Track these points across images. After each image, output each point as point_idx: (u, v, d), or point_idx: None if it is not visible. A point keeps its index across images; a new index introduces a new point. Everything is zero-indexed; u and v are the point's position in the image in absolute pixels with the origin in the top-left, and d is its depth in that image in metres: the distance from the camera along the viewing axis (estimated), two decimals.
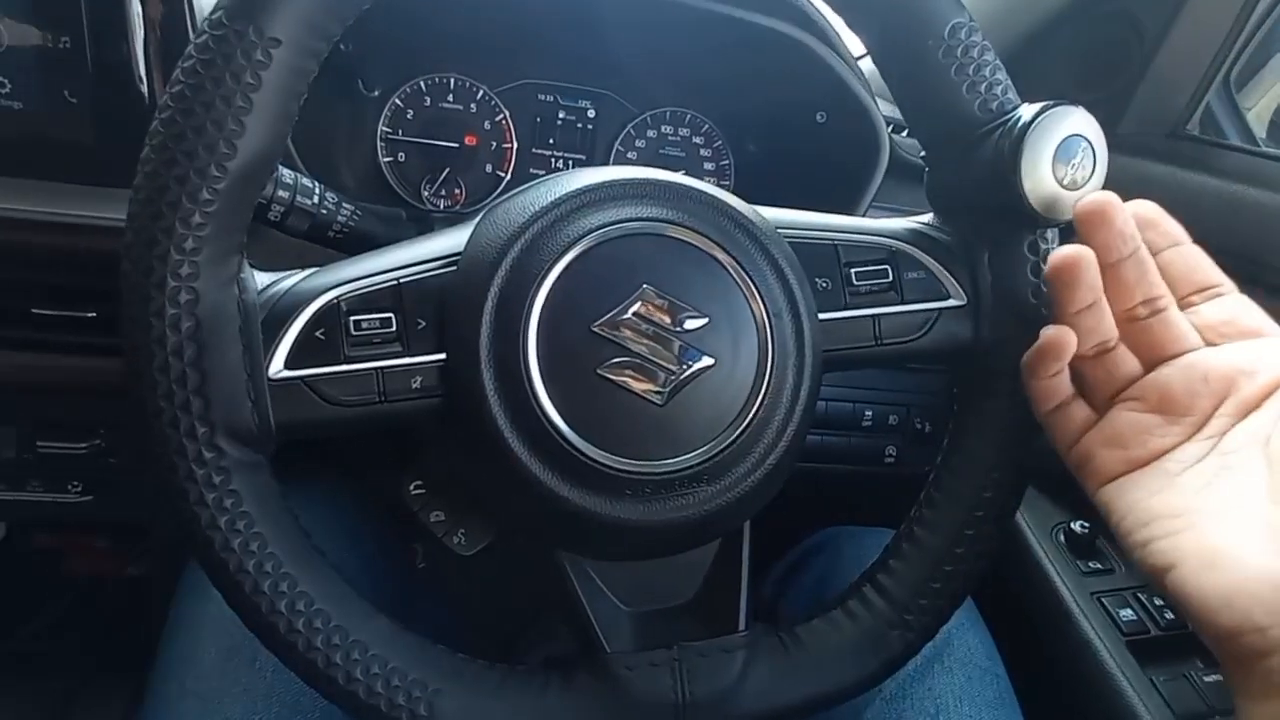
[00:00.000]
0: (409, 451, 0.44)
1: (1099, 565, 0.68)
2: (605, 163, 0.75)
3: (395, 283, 0.37)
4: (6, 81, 0.51)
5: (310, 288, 0.37)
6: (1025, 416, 0.42)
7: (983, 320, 0.42)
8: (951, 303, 0.42)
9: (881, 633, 0.43)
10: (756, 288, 0.38)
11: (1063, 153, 0.38)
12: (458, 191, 0.73)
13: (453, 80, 0.71)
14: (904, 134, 0.74)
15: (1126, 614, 0.64)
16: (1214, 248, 0.64)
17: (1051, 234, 0.42)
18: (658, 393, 0.36)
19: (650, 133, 0.75)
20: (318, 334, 0.36)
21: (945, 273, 0.42)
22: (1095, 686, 0.62)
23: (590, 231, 0.37)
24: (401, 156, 0.72)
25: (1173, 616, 0.65)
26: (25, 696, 0.94)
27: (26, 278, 0.55)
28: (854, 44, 0.68)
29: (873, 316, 0.41)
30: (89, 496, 0.66)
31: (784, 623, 0.44)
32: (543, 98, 0.73)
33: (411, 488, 0.42)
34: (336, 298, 0.37)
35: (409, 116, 0.71)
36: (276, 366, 0.36)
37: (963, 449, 0.44)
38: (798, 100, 0.69)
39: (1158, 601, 0.66)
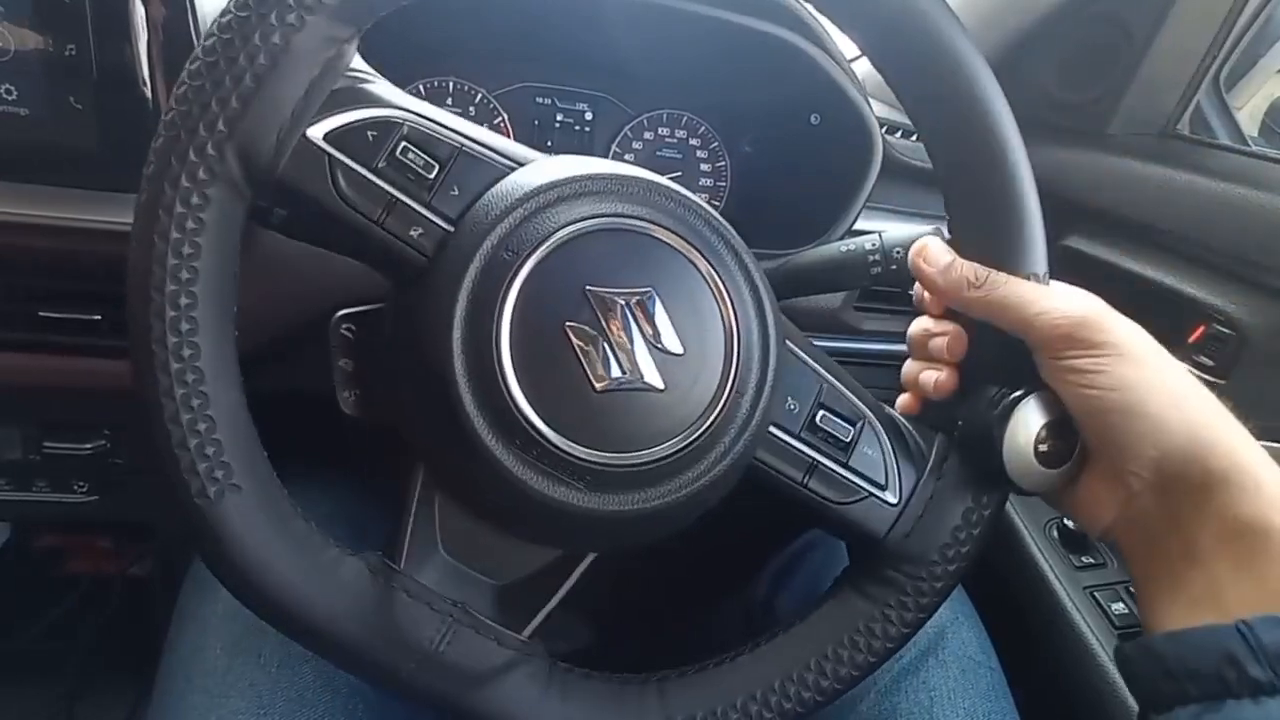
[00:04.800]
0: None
1: (1091, 560, 0.69)
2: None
3: (459, 145, 0.38)
4: (12, 88, 0.51)
5: (391, 98, 0.38)
6: (889, 621, 0.42)
7: (907, 519, 0.43)
8: (886, 496, 0.43)
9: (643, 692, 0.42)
10: (739, 370, 0.38)
11: (1048, 431, 0.40)
12: None
13: (451, 84, 0.72)
14: (897, 135, 0.74)
15: (1118, 608, 0.65)
16: (1203, 246, 0.65)
17: (997, 497, 0.43)
18: (600, 381, 0.36)
19: (647, 134, 0.76)
20: (370, 132, 0.37)
21: (895, 468, 0.43)
22: (1087, 679, 0.63)
23: (644, 220, 0.38)
24: None
25: None
26: (30, 696, 0.95)
27: (33, 281, 0.56)
28: (847, 47, 0.68)
29: (813, 461, 0.42)
30: (94, 496, 0.67)
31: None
32: (540, 100, 0.74)
33: (341, 326, 0.41)
34: (405, 119, 0.38)
35: None
36: (319, 128, 0.37)
37: (826, 612, 0.44)
38: (792, 102, 0.70)
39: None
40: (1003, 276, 0.40)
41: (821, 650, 0.42)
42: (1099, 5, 0.70)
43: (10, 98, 0.51)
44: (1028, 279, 0.41)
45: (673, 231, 0.38)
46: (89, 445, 0.64)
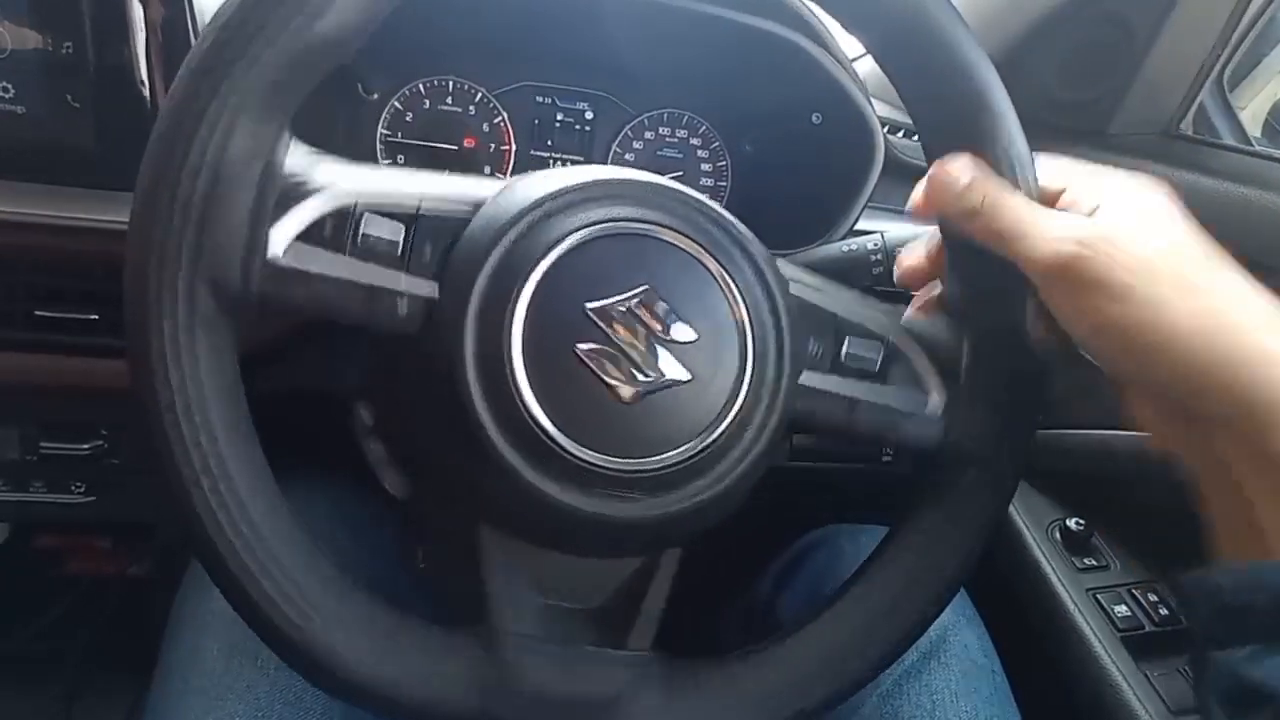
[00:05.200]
0: (371, 370, 0.43)
1: (1094, 562, 0.69)
2: (603, 164, 0.75)
3: (417, 205, 0.38)
4: (9, 86, 0.51)
5: (338, 180, 0.37)
6: (979, 509, 0.43)
7: (955, 423, 0.42)
8: (929, 408, 0.42)
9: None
10: (754, 337, 0.38)
11: None
12: None
13: (451, 83, 0.72)
14: (899, 135, 0.74)
15: (1121, 610, 0.65)
16: None
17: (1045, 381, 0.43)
18: (627, 390, 0.36)
19: (648, 134, 0.76)
20: (328, 223, 0.37)
21: (932, 372, 0.43)
22: (1090, 682, 0.63)
23: (618, 220, 0.37)
24: (401, 159, 0.72)
25: (1167, 612, 0.65)
26: (28, 697, 0.95)
27: (29, 280, 0.55)
28: (849, 46, 0.68)
29: (850, 398, 0.42)
30: (91, 497, 0.67)
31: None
32: (541, 100, 0.74)
33: (362, 412, 0.42)
34: (358, 198, 0.37)
35: (408, 119, 0.72)
36: (279, 238, 0.36)
37: (914, 542, 0.44)
38: (794, 102, 0.70)
39: (1152, 597, 0.66)
40: (1005, 202, 0.38)
41: (921, 565, 0.42)
42: (1101, 4, 0.70)
43: (6, 95, 0.51)
44: (1017, 186, 0.39)
45: (643, 221, 0.38)
46: (86, 445, 0.64)
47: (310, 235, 0.36)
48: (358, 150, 0.71)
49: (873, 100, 0.67)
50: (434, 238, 0.38)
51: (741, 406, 0.38)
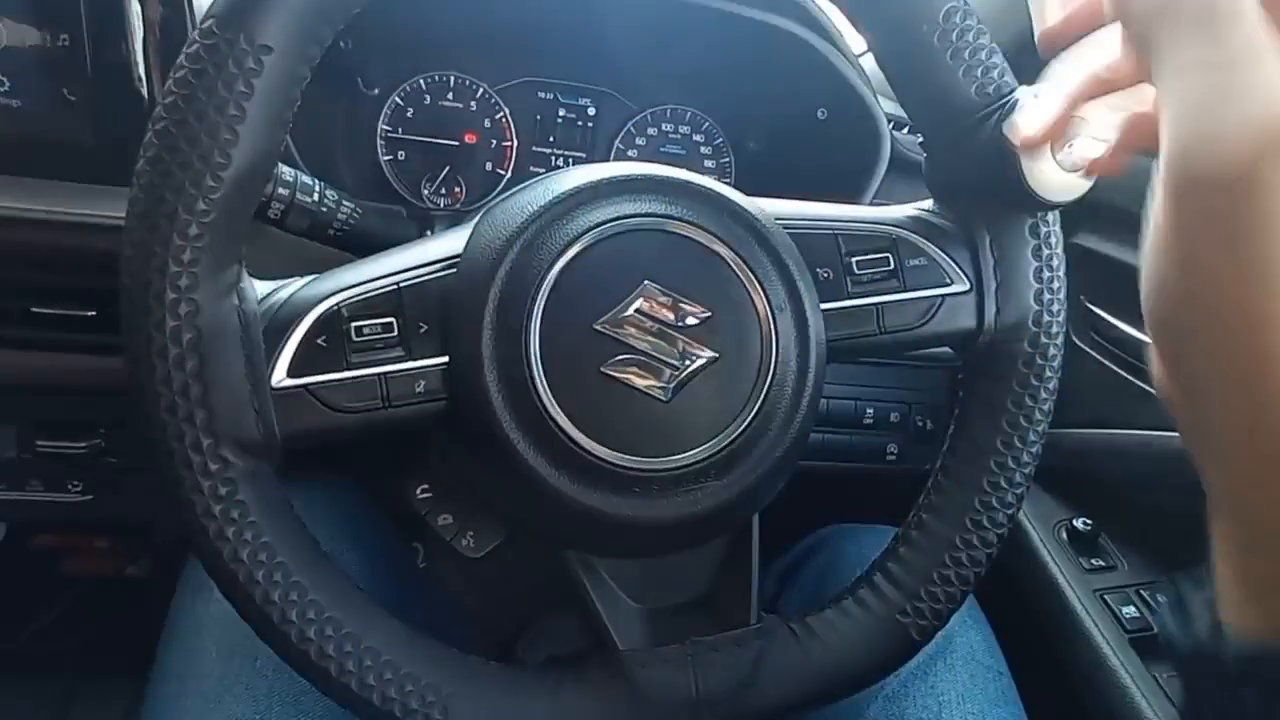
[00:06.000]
0: (414, 452, 0.44)
1: (1101, 563, 0.68)
2: (606, 160, 0.75)
3: (395, 287, 0.37)
4: (5, 80, 0.51)
5: (311, 295, 0.37)
6: (1029, 399, 0.42)
7: (986, 305, 0.42)
8: (954, 289, 0.42)
9: (893, 620, 0.43)
10: (758, 281, 0.38)
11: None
12: (458, 190, 0.73)
13: (453, 78, 0.71)
14: (905, 131, 0.74)
15: (1129, 611, 0.64)
16: None
17: (1052, 216, 0.42)
18: (662, 389, 0.36)
19: (651, 130, 0.75)
20: (319, 341, 0.36)
21: (947, 259, 0.42)
22: (1098, 683, 0.62)
23: (590, 229, 0.37)
24: (401, 155, 0.71)
25: None
26: (25, 697, 0.94)
27: (26, 276, 0.55)
28: (855, 41, 0.68)
29: (875, 305, 0.41)
30: (89, 496, 0.66)
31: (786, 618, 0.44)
32: (543, 95, 0.73)
33: (418, 492, 0.43)
34: (337, 304, 0.37)
35: (409, 114, 0.71)
36: (279, 375, 0.35)
37: (968, 434, 0.44)
38: (799, 97, 0.69)
39: (1160, 598, 0.66)
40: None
41: (995, 443, 0.43)
42: None
43: (3, 89, 0.51)
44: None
45: (615, 220, 0.37)
46: (83, 444, 0.63)
47: (307, 360, 0.36)
48: (359, 146, 0.71)
49: (879, 96, 0.66)
50: (423, 313, 0.37)
51: (774, 360, 0.38)
